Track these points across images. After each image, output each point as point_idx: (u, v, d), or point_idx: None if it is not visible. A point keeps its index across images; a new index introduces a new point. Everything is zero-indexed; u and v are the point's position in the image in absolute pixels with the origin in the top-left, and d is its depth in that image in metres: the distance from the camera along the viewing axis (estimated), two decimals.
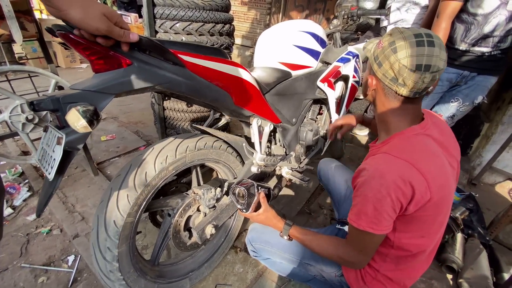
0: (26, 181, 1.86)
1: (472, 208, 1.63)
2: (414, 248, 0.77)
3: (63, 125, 0.68)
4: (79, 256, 1.41)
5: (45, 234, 1.54)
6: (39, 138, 1.85)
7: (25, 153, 2.12)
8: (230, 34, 2.04)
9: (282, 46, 1.30)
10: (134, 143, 2.41)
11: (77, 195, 1.75)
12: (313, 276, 1.00)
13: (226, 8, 1.94)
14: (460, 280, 1.30)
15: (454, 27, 1.45)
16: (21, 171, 1.94)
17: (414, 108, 0.75)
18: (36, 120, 1.41)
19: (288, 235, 0.92)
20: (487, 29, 1.34)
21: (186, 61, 0.81)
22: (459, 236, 1.48)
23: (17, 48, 2.98)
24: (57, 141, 0.65)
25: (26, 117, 1.38)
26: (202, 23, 1.79)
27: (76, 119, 0.56)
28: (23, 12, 1.17)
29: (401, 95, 0.72)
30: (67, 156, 0.65)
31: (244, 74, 0.98)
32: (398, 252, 0.78)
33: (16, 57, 3.06)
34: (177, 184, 1.22)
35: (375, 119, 0.86)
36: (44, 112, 1.44)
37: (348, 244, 0.80)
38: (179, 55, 0.79)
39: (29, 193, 1.76)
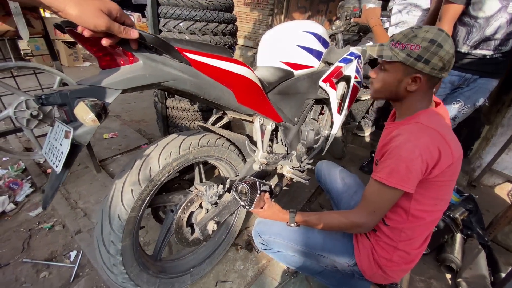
0: (29, 177, 1.87)
1: (471, 209, 1.64)
2: (427, 216, 0.87)
3: (70, 119, 0.69)
4: (81, 251, 1.42)
5: (47, 229, 1.55)
6: (44, 135, 1.87)
7: (28, 149, 2.13)
8: (233, 34, 2.06)
9: (285, 46, 1.32)
10: (136, 141, 2.43)
11: (79, 192, 1.76)
12: (324, 268, 1.03)
13: (230, 8, 1.95)
14: (459, 280, 1.32)
15: (456, 30, 1.46)
16: (23, 167, 1.95)
17: (432, 93, 0.89)
18: (41, 116, 1.42)
19: (295, 222, 0.96)
20: (488, 31, 1.35)
21: (192, 59, 0.83)
22: (458, 237, 1.49)
23: (23, 45, 3.00)
24: (64, 135, 0.66)
25: (31, 113, 1.39)
26: (206, 23, 1.80)
27: (84, 113, 0.57)
28: (29, 9, 1.18)
29: (442, 79, 0.84)
30: (74, 149, 0.67)
31: (248, 72, 0.99)
32: (412, 223, 0.88)
33: (22, 54, 3.08)
34: (180, 181, 1.23)
35: (395, 105, 0.96)
36: (49, 108, 1.45)
37: (360, 208, 0.89)
38: (184, 52, 0.80)
39: (31, 189, 1.77)
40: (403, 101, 0.90)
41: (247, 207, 0.93)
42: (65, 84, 1.52)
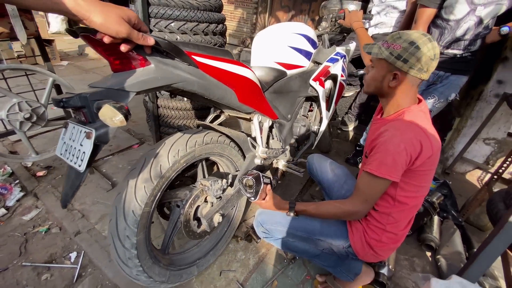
0: (17, 181, 1.82)
1: (446, 194, 1.81)
2: (410, 201, 0.98)
3: (89, 121, 0.73)
4: (83, 252, 1.43)
5: (43, 233, 1.54)
6: (31, 136, 1.82)
7: (13, 153, 2.06)
8: (223, 33, 2.10)
9: (278, 47, 1.39)
10: (126, 141, 2.41)
11: None
12: (321, 251, 1.12)
13: (219, 8, 1.99)
14: (438, 256, 1.47)
15: (430, 31, 1.61)
16: (10, 171, 1.89)
17: (416, 91, 0.98)
18: (34, 118, 1.41)
19: (295, 211, 1.05)
20: (459, 33, 1.50)
21: (198, 62, 0.88)
22: (436, 219, 1.65)
23: (16, 46, 2.86)
24: (86, 136, 0.70)
25: (24, 116, 1.37)
26: (197, 23, 1.84)
27: (113, 114, 0.61)
28: (23, 10, 1.17)
29: (422, 80, 0.92)
30: (95, 149, 0.71)
31: (248, 73, 1.06)
32: (398, 208, 0.99)
33: (15, 55, 2.92)
34: (182, 178, 1.28)
35: (382, 101, 1.07)
36: (42, 110, 1.43)
37: (354, 197, 0.99)
38: (192, 56, 0.86)
39: (22, 193, 1.73)
40: (387, 97, 1.01)
41: (252, 198, 1.00)
42: (57, 86, 1.51)
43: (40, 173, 1.88)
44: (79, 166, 0.70)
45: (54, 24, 6.45)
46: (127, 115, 0.63)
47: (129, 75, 0.78)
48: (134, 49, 0.73)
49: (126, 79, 0.76)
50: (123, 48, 0.68)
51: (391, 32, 2.26)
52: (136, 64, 0.80)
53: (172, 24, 1.79)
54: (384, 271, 1.29)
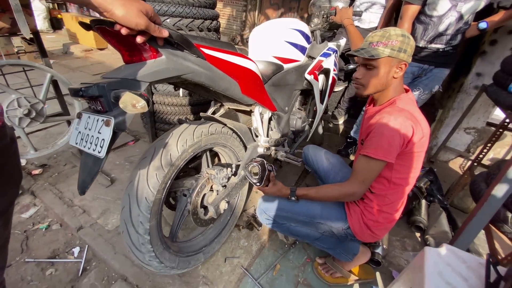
0: None
1: (432, 180, 1.94)
2: (404, 182, 1.07)
3: (105, 110, 0.76)
4: (86, 246, 1.44)
5: (44, 229, 1.54)
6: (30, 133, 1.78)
7: None
8: (217, 30, 2.14)
9: (275, 42, 1.45)
10: (122, 138, 2.40)
11: (73, 190, 1.75)
12: (322, 233, 1.20)
13: (213, 5, 2.03)
14: (427, 236, 1.58)
15: (415, 27, 1.72)
16: None
17: (403, 80, 1.10)
18: (33, 114, 1.40)
19: (296, 196, 1.12)
20: (441, 28, 1.62)
21: (206, 54, 0.93)
22: (424, 202, 1.77)
23: (16, 42, 2.76)
24: (105, 123, 0.73)
25: (23, 112, 1.37)
26: (192, 19, 1.87)
27: (135, 100, 0.65)
28: (23, 5, 1.17)
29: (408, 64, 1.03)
30: (114, 136, 0.74)
31: (252, 65, 1.11)
32: (393, 189, 1.08)
33: (15, 51, 2.82)
34: (186, 169, 1.32)
35: (375, 95, 1.13)
36: (41, 106, 1.43)
37: (352, 180, 1.06)
38: (200, 48, 0.90)
39: (19, 192, 1.71)
40: (385, 86, 1.07)
41: (258, 183, 1.06)
42: (55, 81, 1.51)
43: (36, 172, 1.86)
44: (99, 152, 0.73)
45: (36, 22, 6.23)
46: (148, 101, 0.67)
47: (141, 66, 0.82)
48: (150, 41, 0.76)
49: (139, 70, 0.80)
50: (139, 39, 0.72)
51: (374, 28, 2.39)
52: (147, 56, 0.84)
53: (168, 20, 1.81)
54: (379, 250, 1.38)
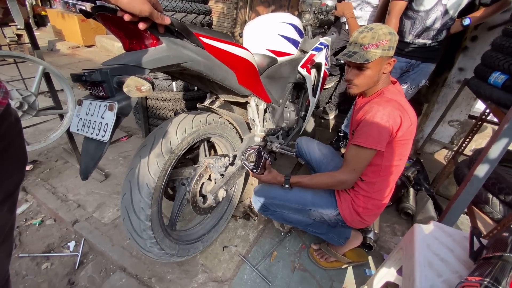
0: None
1: (419, 170, 2.03)
2: (393, 170, 1.11)
3: (108, 95, 0.77)
4: (83, 239, 1.43)
5: (37, 225, 1.52)
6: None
7: None
8: (210, 25, 2.16)
9: (269, 35, 1.49)
10: (114, 134, 2.38)
11: (66, 185, 1.73)
12: (314, 220, 1.24)
13: (206, 0, 2.05)
14: (415, 223, 1.66)
15: (403, 22, 1.79)
16: None
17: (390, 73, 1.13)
18: (25, 107, 1.38)
19: (290, 184, 1.16)
20: (428, 22, 1.69)
21: (205, 43, 0.95)
22: (412, 190, 1.85)
23: (8, 32, 2.64)
24: (108, 108, 0.75)
25: (14, 105, 1.35)
26: (185, 14, 1.88)
27: (140, 84, 0.67)
28: None
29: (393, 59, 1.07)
30: (117, 121, 0.76)
31: (249, 55, 1.14)
32: (382, 176, 1.12)
33: (7, 42, 2.72)
34: (183, 160, 1.33)
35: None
36: (33, 99, 1.41)
37: (344, 168, 1.09)
38: (200, 37, 0.93)
39: None
40: (376, 80, 1.10)
41: (254, 170, 1.09)
42: (47, 74, 1.49)
43: (27, 168, 1.82)
44: (103, 136, 0.75)
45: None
46: (153, 84, 0.69)
47: (143, 53, 0.83)
48: (151, 29, 0.78)
49: (140, 56, 0.82)
50: (141, 26, 0.74)
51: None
52: (148, 43, 0.86)
53: None
54: (371, 235, 1.44)
